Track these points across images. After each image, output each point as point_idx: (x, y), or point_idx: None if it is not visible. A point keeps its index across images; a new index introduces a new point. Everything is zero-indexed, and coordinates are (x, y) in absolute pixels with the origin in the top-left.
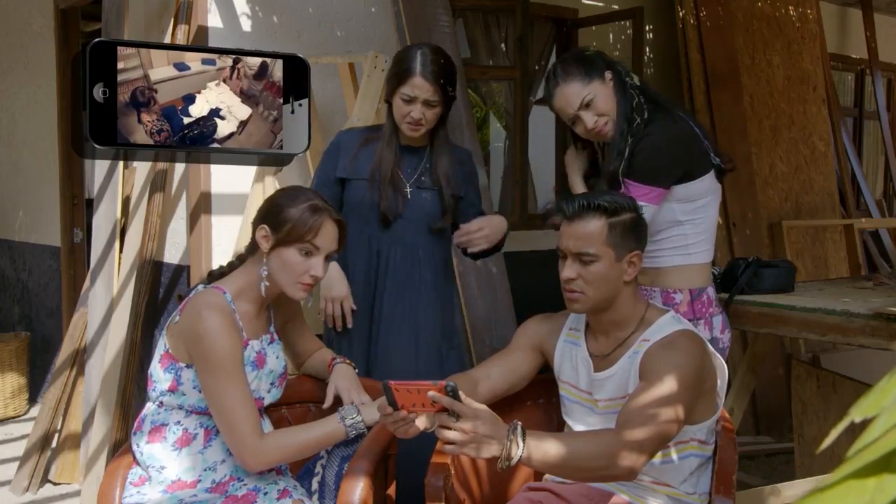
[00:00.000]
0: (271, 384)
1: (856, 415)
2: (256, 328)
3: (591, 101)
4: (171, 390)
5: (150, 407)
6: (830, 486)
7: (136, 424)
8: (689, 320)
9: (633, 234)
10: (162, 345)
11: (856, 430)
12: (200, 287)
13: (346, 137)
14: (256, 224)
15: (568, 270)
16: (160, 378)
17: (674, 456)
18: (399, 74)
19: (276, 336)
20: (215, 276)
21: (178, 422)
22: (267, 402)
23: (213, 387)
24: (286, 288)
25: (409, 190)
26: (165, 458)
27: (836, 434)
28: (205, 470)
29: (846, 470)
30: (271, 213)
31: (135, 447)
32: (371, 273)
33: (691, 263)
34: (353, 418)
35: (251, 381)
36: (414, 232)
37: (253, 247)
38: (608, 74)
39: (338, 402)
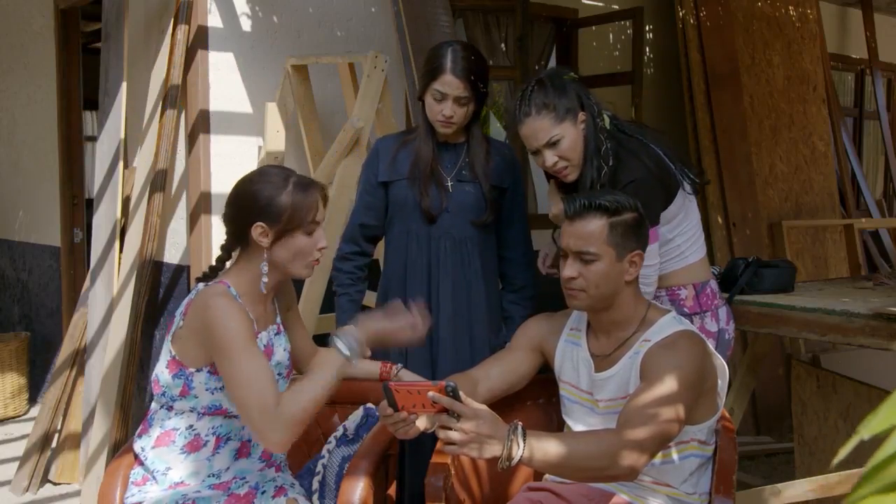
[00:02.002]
0: (279, 375)
1: (866, 432)
2: (265, 320)
3: (558, 142)
4: (183, 395)
5: (158, 410)
6: (854, 502)
7: (141, 427)
8: (696, 313)
9: (635, 233)
10: (167, 352)
11: (857, 429)
12: (200, 286)
13: (382, 143)
14: (244, 222)
15: (569, 269)
16: (169, 384)
17: (674, 456)
18: (430, 72)
19: (282, 327)
20: (211, 275)
21: (191, 426)
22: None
23: (229, 366)
24: (299, 271)
25: (450, 183)
26: (172, 460)
27: (844, 454)
28: (209, 475)
29: (869, 487)
30: (260, 207)
31: (139, 450)
32: (424, 270)
33: (689, 263)
34: (344, 339)
35: None
36: (461, 225)
37: (238, 242)
38: (581, 116)
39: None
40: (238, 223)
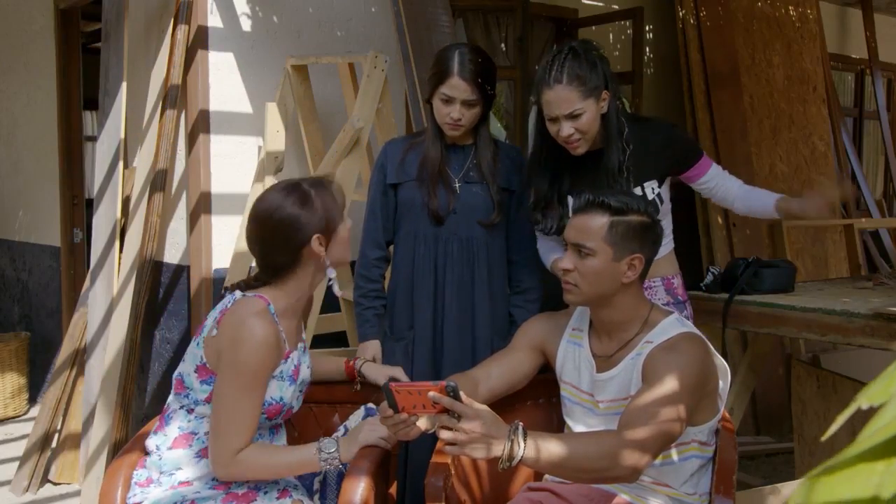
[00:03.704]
0: (300, 392)
1: (863, 401)
2: (295, 338)
3: (579, 116)
4: (208, 401)
5: (177, 410)
6: (838, 469)
7: (157, 424)
8: (685, 301)
9: (638, 236)
10: (197, 356)
11: (857, 428)
12: (238, 294)
13: (390, 146)
14: (297, 245)
15: (565, 260)
16: (196, 388)
17: (675, 457)
18: (438, 75)
19: (306, 345)
20: (251, 285)
21: (209, 433)
22: (295, 409)
23: (227, 394)
24: (347, 256)
25: (458, 185)
26: (184, 462)
27: (842, 422)
28: (213, 479)
29: (854, 452)
30: (304, 223)
31: (153, 447)
32: (431, 270)
33: (670, 249)
34: (328, 452)
35: (287, 393)
36: (468, 226)
37: (289, 267)
38: (604, 94)
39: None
40: (290, 250)
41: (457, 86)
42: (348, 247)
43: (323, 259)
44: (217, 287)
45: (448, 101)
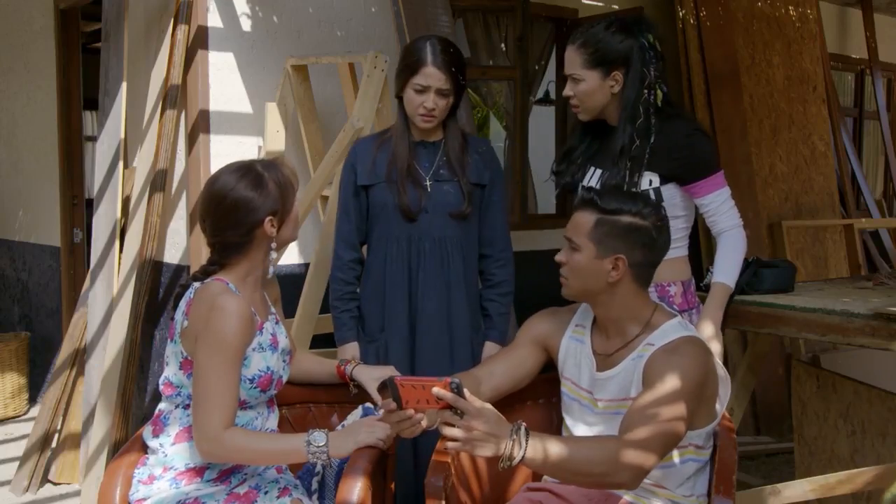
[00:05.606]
0: (284, 362)
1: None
2: (263, 311)
3: (579, 81)
4: None
5: (172, 410)
6: None
7: (154, 427)
8: (684, 310)
9: (623, 237)
10: (177, 353)
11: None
12: (196, 284)
13: (359, 146)
14: (250, 226)
15: (560, 253)
16: (185, 383)
17: (673, 460)
18: (410, 66)
19: (277, 317)
20: (204, 276)
21: None
22: (285, 379)
23: (205, 366)
24: (295, 235)
25: (428, 183)
26: (190, 454)
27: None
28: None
29: None
30: (258, 205)
31: (156, 446)
32: (405, 272)
33: (680, 255)
34: (317, 446)
35: (272, 361)
36: (440, 225)
37: (242, 247)
38: (616, 75)
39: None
40: (242, 231)
41: (431, 74)
42: (297, 228)
43: (268, 241)
44: None
45: (422, 90)
